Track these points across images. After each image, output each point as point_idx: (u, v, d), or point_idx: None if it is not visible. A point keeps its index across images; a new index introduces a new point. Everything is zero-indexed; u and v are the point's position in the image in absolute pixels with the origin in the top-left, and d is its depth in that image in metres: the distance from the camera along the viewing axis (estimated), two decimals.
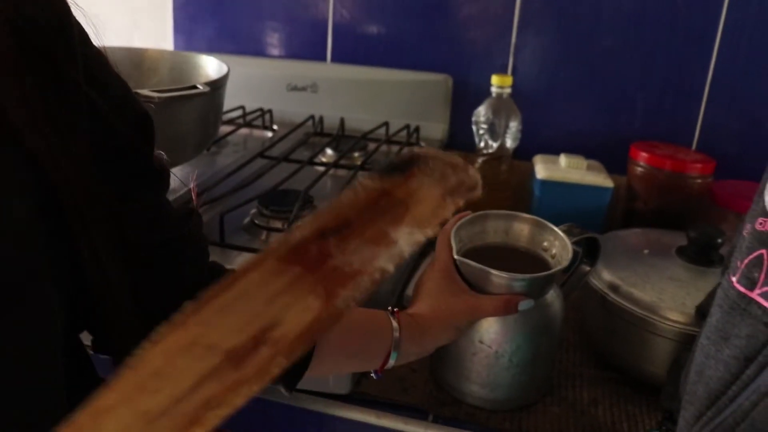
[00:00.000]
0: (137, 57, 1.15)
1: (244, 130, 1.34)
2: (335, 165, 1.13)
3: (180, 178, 0.98)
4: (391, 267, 0.32)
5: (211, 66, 1.08)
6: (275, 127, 1.35)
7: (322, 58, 1.40)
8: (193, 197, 0.84)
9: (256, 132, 1.36)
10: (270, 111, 1.37)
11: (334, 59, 1.40)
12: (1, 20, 0.40)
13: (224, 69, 1.01)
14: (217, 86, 0.95)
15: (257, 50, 1.44)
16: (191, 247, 0.57)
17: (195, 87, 0.89)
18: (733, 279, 0.53)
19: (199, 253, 0.59)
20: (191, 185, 0.90)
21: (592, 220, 1.09)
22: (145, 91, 0.84)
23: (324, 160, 1.16)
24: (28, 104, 0.41)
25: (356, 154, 1.18)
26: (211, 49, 1.45)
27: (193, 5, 1.45)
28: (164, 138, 0.90)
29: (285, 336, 0.29)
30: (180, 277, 0.55)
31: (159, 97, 0.83)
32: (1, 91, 0.40)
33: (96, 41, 0.50)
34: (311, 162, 1.12)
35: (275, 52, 1.43)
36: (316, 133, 1.33)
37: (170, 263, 0.54)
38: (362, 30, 1.37)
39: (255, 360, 0.29)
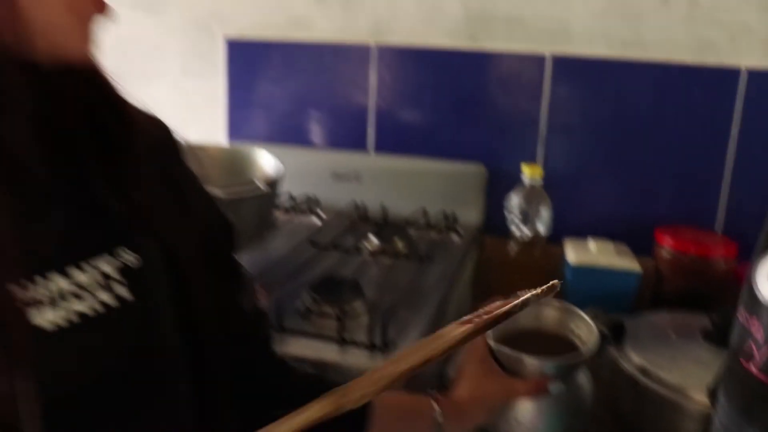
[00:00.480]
0: (196, 152, 1.27)
1: (292, 216, 1.44)
2: (380, 252, 1.22)
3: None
4: None
5: (266, 161, 1.19)
6: (321, 213, 1.46)
7: (363, 148, 1.52)
8: (260, 295, 0.93)
9: (303, 218, 1.46)
10: (316, 198, 1.48)
11: (376, 149, 1.51)
12: None
13: (280, 167, 1.12)
14: (275, 184, 1.05)
15: (304, 141, 1.56)
16: (262, 343, 0.66)
17: (256, 186, 1.00)
18: (753, 368, 0.58)
19: (269, 348, 0.68)
20: (257, 284, 0.98)
21: (621, 302, 1.15)
22: (218, 191, 0.94)
23: (368, 246, 1.25)
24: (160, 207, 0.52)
25: (398, 241, 1.27)
26: (261, 139, 1.57)
27: (245, 100, 1.58)
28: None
29: None
30: (250, 374, 0.63)
31: (227, 198, 0.93)
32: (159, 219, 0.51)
33: None
34: (357, 249, 1.21)
35: (320, 142, 1.55)
36: (359, 219, 1.42)
37: (242, 360, 0.63)
38: (401, 122, 1.48)
39: None
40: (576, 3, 1.34)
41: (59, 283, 0.44)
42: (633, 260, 1.19)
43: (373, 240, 1.28)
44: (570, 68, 1.36)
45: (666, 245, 1.20)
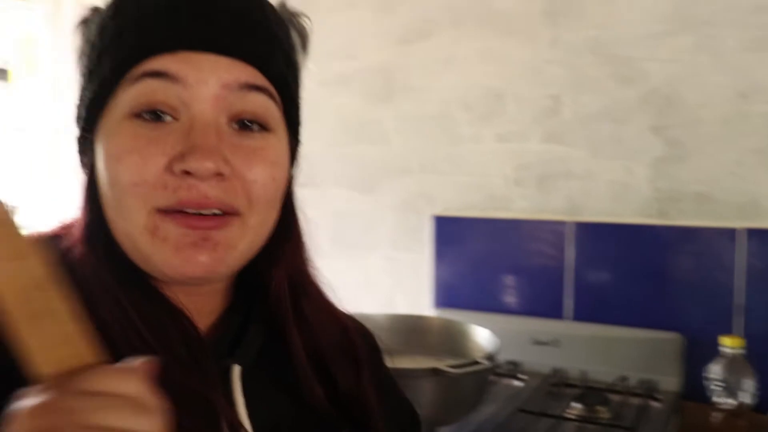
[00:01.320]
0: (407, 323, 1.45)
1: (495, 378, 1.56)
2: (585, 420, 1.30)
3: None
4: None
5: (479, 335, 1.34)
6: (523, 376, 1.57)
7: (560, 315, 1.63)
8: None
9: (505, 381, 1.57)
10: (517, 362, 1.60)
11: (573, 317, 1.62)
12: None
13: (496, 341, 1.26)
14: (493, 358, 1.19)
15: (503, 308, 1.71)
16: None
17: (478, 362, 1.15)
18: None
19: None
20: None
21: None
22: (443, 367, 1.10)
23: (572, 413, 1.34)
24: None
25: (600, 408, 1.35)
26: (463, 307, 1.73)
27: (449, 271, 1.77)
28: (446, 400, 1.15)
29: None
30: None
31: (455, 373, 1.09)
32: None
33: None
34: (563, 417, 1.31)
35: (519, 310, 1.69)
36: (559, 384, 1.51)
37: None
38: (597, 291, 1.59)
39: None
40: (764, 177, 1.42)
41: None
42: None
43: (576, 406, 1.37)
44: (764, 240, 1.42)
45: None
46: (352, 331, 0.69)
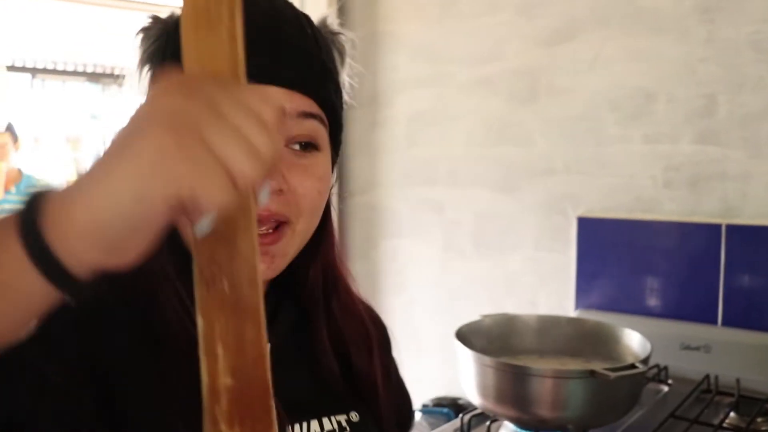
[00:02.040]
0: (554, 323, 1.46)
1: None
2: (744, 431, 1.26)
3: None
4: None
5: (629, 338, 1.33)
6: (670, 381, 1.54)
7: (711, 320, 1.59)
8: None
9: (651, 385, 1.55)
10: (666, 367, 1.57)
11: (726, 322, 1.57)
12: None
13: (648, 345, 1.25)
14: (647, 362, 1.19)
15: (649, 311, 1.68)
16: None
17: (634, 366, 1.14)
18: None
19: None
20: None
21: None
22: (600, 370, 1.11)
23: (730, 423, 1.30)
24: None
25: (761, 420, 1.31)
26: (606, 309, 1.72)
27: (593, 272, 1.76)
28: (600, 403, 1.15)
29: None
30: None
31: (612, 376, 1.09)
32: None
33: None
34: (721, 427, 1.27)
35: (667, 313, 1.65)
36: (711, 391, 1.47)
37: None
38: (753, 296, 1.53)
39: None
40: None
41: (315, 427, 0.69)
42: None
43: (732, 416, 1.33)
44: None
45: None
46: (368, 321, 0.80)
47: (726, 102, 1.56)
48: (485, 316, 1.43)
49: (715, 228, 1.57)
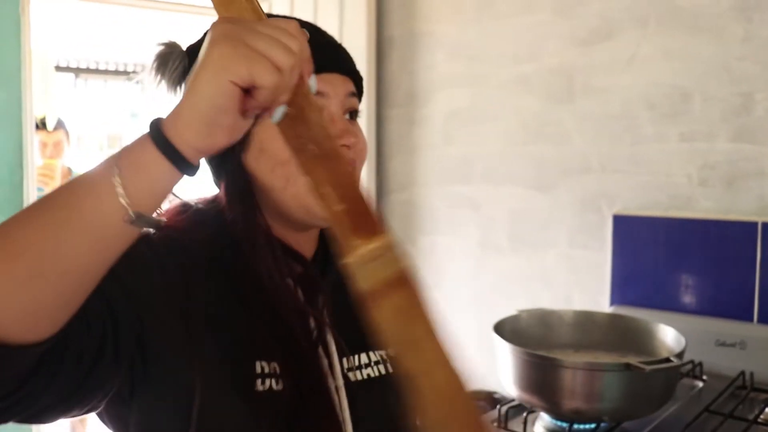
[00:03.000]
0: (589, 318, 1.49)
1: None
2: None
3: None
4: None
5: (663, 333, 1.36)
6: (705, 377, 1.55)
7: (747, 317, 1.60)
8: None
9: (686, 380, 1.56)
10: (701, 363, 1.58)
11: (761, 319, 1.58)
12: None
13: (682, 340, 1.28)
14: (681, 356, 1.21)
15: (683, 308, 1.70)
16: None
17: (669, 360, 1.17)
18: None
19: None
20: None
21: None
22: (636, 363, 1.14)
23: (764, 418, 1.32)
24: None
25: None
26: (640, 305, 1.74)
27: (627, 269, 1.78)
28: (635, 396, 1.18)
29: None
30: None
31: (649, 369, 1.12)
32: None
33: None
34: (756, 422, 1.29)
35: (701, 310, 1.67)
36: (745, 387, 1.49)
37: None
38: None
39: None
40: None
41: (364, 359, 0.83)
42: None
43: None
44: None
45: None
46: None
47: (763, 100, 1.57)
48: (522, 311, 1.47)
49: (751, 226, 1.58)
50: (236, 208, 0.78)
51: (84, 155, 5.59)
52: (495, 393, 1.97)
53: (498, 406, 1.38)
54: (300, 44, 0.55)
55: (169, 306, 0.69)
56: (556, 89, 1.91)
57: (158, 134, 0.55)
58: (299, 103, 0.58)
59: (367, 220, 0.57)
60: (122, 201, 0.54)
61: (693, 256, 1.68)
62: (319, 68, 0.70)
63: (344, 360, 0.79)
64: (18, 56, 1.87)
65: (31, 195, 1.91)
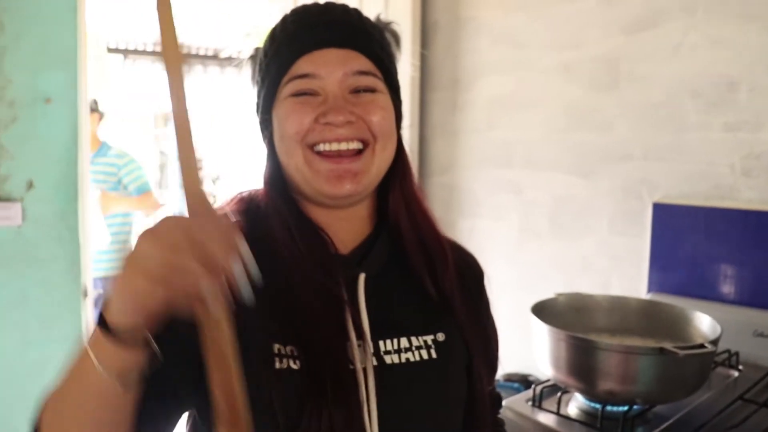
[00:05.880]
0: (627, 304, 1.51)
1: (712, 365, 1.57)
2: None
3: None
4: None
5: (699, 321, 1.37)
6: (741, 367, 1.56)
7: None
8: None
9: (721, 369, 1.57)
10: (737, 353, 1.59)
11: None
12: None
13: (718, 327, 1.29)
14: (716, 343, 1.23)
15: (722, 297, 1.70)
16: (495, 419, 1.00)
17: (703, 346, 1.19)
18: None
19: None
20: None
21: None
22: (669, 347, 1.16)
23: None
24: None
25: None
26: (678, 293, 1.75)
27: (666, 257, 1.79)
28: (668, 380, 1.20)
29: None
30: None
31: (683, 354, 1.14)
32: None
33: None
34: None
35: (740, 300, 1.67)
36: None
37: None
38: None
39: None
40: None
41: (403, 343, 0.81)
42: None
43: None
44: None
45: None
46: (445, 243, 0.90)
47: None
48: (559, 295, 1.49)
49: None
50: (265, 189, 0.84)
51: (130, 131, 5.76)
52: (530, 376, 2.00)
53: (533, 386, 1.41)
54: (223, 253, 0.56)
55: None
56: (599, 76, 1.92)
57: (102, 323, 0.62)
58: (207, 319, 0.61)
59: (236, 416, 0.63)
60: (99, 369, 0.62)
61: (733, 246, 1.68)
62: (309, 47, 0.79)
63: (381, 343, 0.80)
64: (75, 38, 1.93)
65: (85, 171, 1.98)
